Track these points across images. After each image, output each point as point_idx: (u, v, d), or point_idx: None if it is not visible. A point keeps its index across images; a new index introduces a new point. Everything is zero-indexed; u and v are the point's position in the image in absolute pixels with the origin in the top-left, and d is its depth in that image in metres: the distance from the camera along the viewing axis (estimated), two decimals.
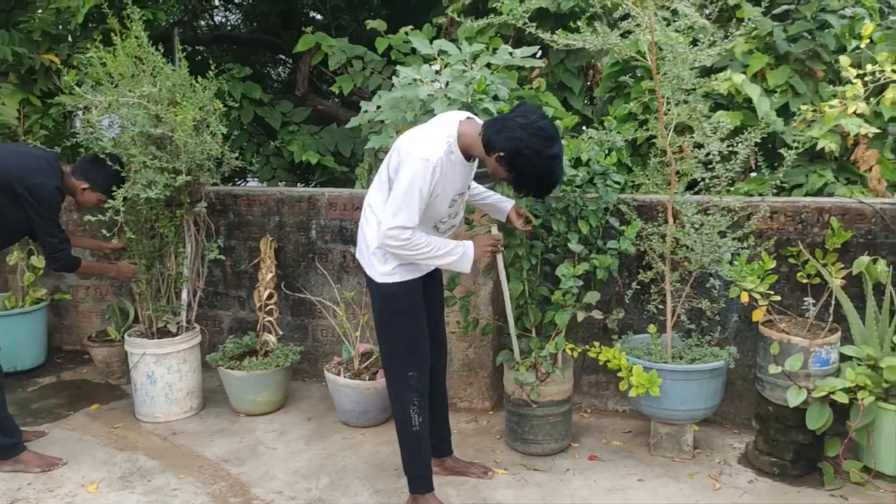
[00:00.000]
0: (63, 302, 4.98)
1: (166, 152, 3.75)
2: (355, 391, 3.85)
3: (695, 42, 3.32)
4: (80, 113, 5.20)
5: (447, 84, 3.73)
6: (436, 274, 3.17)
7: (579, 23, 3.71)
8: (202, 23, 8.99)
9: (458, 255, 2.87)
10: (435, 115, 3.64)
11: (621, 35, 3.35)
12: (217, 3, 9.06)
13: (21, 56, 4.68)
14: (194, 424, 3.99)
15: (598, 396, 4.10)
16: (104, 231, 3.71)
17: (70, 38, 4.96)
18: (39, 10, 4.82)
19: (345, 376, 3.88)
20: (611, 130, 3.59)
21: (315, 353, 4.50)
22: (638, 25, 3.27)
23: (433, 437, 3.21)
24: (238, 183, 6.68)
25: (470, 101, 3.67)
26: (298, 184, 6.75)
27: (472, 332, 3.77)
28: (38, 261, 4.76)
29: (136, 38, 3.86)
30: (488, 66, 4.09)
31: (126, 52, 3.82)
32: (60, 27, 4.83)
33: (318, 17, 7.98)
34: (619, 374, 3.38)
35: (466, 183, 2.98)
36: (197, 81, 3.96)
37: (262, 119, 6.31)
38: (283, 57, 8.86)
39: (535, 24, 3.49)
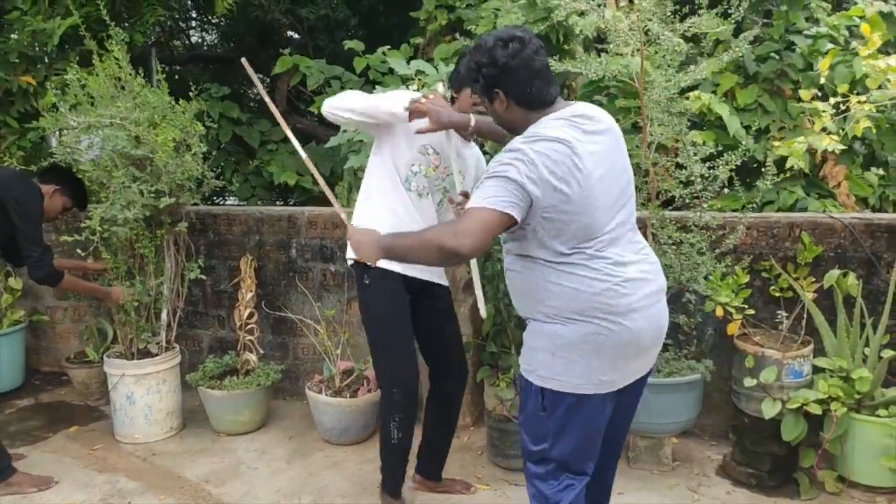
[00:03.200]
0: (41, 323, 4.95)
1: (147, 173, 3.76)
2: (336, 409, 3.86)
3: (671, 64, 3.41)
4: (56, 133, 5.21)
5: None
6: (437, 291, 3.13)
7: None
8: (178, 42, 9.00)
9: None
10: None
11: (598, 53, 3.46)
12: (193, 23, 9.07)
13: None
14: (174, 445, 3.97)
15: None
16: (79, 251, 3.72)
17: (46, 60, 4.95)
18: (15, 33, 4.80)
19: (326, 394, 3.89)
20: None
21: (296, 371, 4.51)
22: (627, 45, 3.36)
23: (430, 460, 3.25)
24: (217, 202, 6.67)
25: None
26: (277, 202, 6.75)
27: None
28: (16, 282, 4.74)
29: (116, 59, 3.88)
30: None
31: (106, 73, 3.84)
32: (37, 48, 4.82)
33: (296, 36, 8.02)
34: None
35: (445, 144, 2.92)
36: (178, 103, 3.98)
37: (240, 138, 6.32)
38: (261, 76, 8.89)
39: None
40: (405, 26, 6.28)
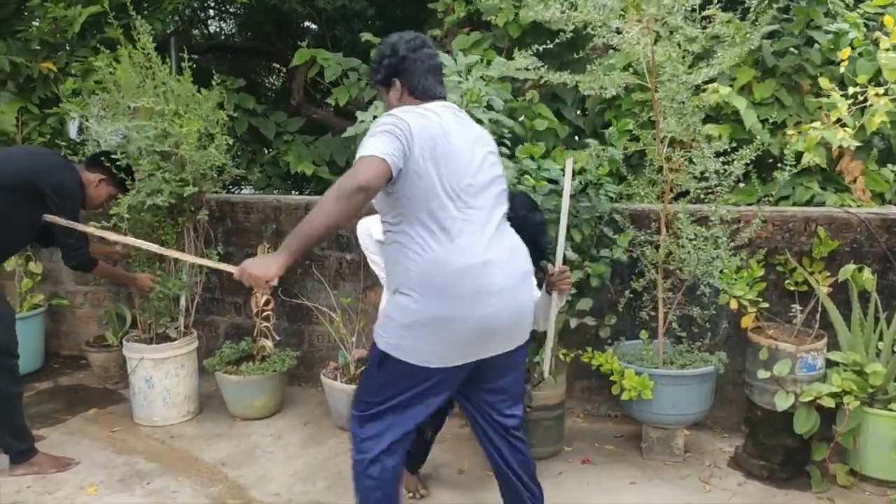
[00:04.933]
0: (61, 307, 5.02)
1: (171, 162, 3.81)
2: (351, 396, 3.89)
3: (685, 56, 3.42)
4: (75, 119, 5.27)
5: None
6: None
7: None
8: (195, 32, 9.04)
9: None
10: None
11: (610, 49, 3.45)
12: (212, 12, 9.11)
13: (19, 65, 4.73)
14: (192, 428, 4.03)
15: (591, 401, 4.17)
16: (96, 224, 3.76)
17: (67, 47, 5.01)
18: (37, 20, 4.86)
19: (341, 381, 3.93)
20: (611, 144, 3.68)
21: (311, 358, 4.55)
22: (638, 43, 3.36)
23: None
24: (233, 191, 6.73)
25: (465, 110, 3.76)
26: (293, 192, 6.79)
27: None
28: (36, 267, 4.81)
29: (143, 49, 3.91)
30: (482, 77, 4.17)
31: (133, 63, 3.88)
32: (58, 36, 4.87)
33: (313, 26, 8.04)
34: (612, 379, 3.46)
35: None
36: (199, 92, 4.02)
37: (256, 129, 6.36)
38: (277, 66, 8.92)
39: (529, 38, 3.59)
40: (422, 18, 6.30)
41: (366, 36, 5.19)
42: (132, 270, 4.08)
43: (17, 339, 3.57)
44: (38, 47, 4.84)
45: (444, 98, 2.45)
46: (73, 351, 5.06)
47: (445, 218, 2.23)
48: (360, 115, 4.27)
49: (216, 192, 4.36)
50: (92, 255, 3.74)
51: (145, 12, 4.99)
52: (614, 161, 3.85)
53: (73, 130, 5.39)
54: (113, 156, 3.65)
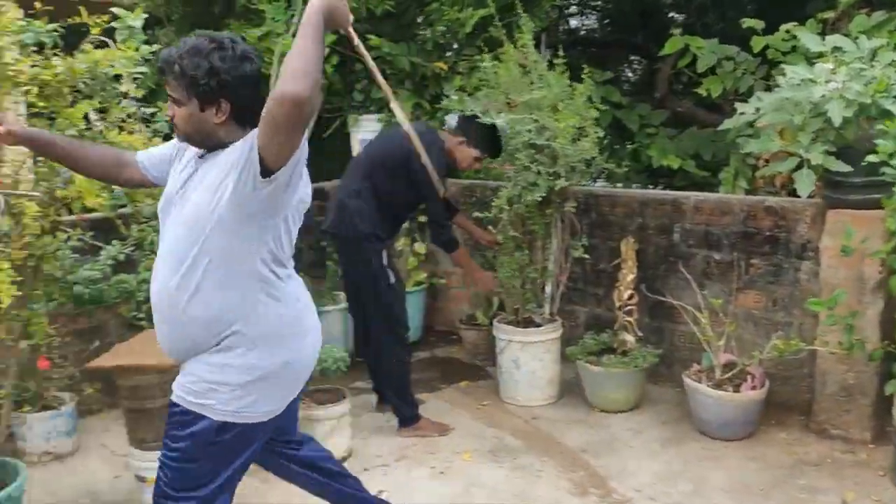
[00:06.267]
0: (439, 286, 5.54)
1: (544, 155, 3.97)
2: (716, 402, 3.74)
3: None
4: (453, 114, 5.74)
5: (843, 84, 3.46)
6: None
7: None
8: (559, 28, 9.34)
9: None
10: (829, 117, 3.41)
11: None
12: (574, 7, 9.34)
13: (416, 65, 5.28)
14: (552, 412, 4.18)
15: None
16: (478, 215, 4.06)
17: (456, 47, 5.46)
18: (432, 24, 5.37)
19: (706, 384, 3.79)
20: None
21: (671, 357, 4.45)
22: None
23: None
24: (589, 185, 6.84)
25: (869, 101, 3.38)
26: (649, 186, 6.70)
27: (857, 353, 3.45)
28: (421, 247, 5.34)
29: (523, 46, 4.14)
30: (892, 63, 3.70)
31: (513, 60, 4.12)
32: (448, 37, 5.34)
33: (678, 16, 7.84)
34: None
35: None
36: (570, 86, 4.14)
37: (617, 121, 6.38)
38: (636, 58, 8.86)
39: None
40: (803, 1, 5.79)
41: (748, 22, 4.90)
42: (494, 259, 4.34)
43: (407, 312, 4.01)
44: (431, 49, 5.35)
45: None
46: (447, 327, 5.54)
47: None
48: (739, 106, 4.06)
49: (582, 184, 4.45)
50: (455, 236, 4.03)
51: (526, 12, 5.24)
52: None
53: (452, 123, 5.90)
54: (472, 119, 3.89)
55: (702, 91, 5.41)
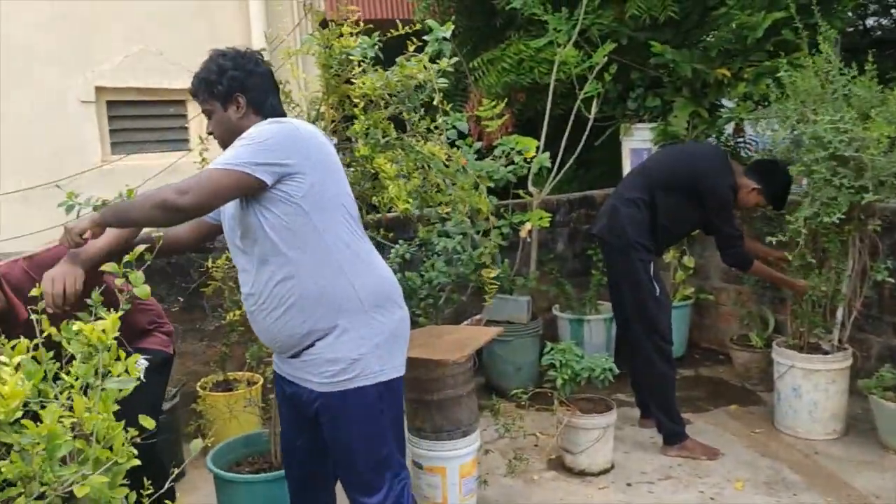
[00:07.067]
0: (706, 302, 5.29)
1: (848, 168, 3.63)
2: None
3: None
4: (731, 124, 5.46)
5: None
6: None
7: None
8: (852, 28, 8.53)
9: None
10: None
11: None
12: (872, 7, 8.47)
13: (698, 71, 5.08)
14: (837, 449, 3.82)
15: None
16: (771, 239, 3.81)
17: (742, 53, 5.18)
18: (717, 28, 5.13)
19: None
20: None
21: None
22: None
23: None
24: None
25: None
26: None
27: None
28: (689, 261, 5.14)
29: (825, 52, 3.82)
30: None
31: (814, 67, 3.81)
32: (734, 42, 5.07)
33: None
34: None
35: None
36: (882, 92, 3.74)
37: None
38: None
39: None
40: None
41: None
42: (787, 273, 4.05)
43: (671, 326, 3.88)
44: (715, 55, 5.12)
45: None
46: (713, 345, 5.29)
47: None
48: None
49: (890, 200, 4.01)
50: (748, 253, 3.86)
51: (825, 13, 4.84)
52: None
53: (729, 131, 5.64)
54: (771, 167, 3.75)
55: None
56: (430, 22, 2.77)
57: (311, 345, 2.15)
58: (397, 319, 2.26)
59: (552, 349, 3.68)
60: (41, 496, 1.42)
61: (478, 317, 4.12)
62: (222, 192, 2.00)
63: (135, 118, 5.94)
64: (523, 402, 3.68)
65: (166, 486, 1.78)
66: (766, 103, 4.87)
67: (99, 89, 5.70)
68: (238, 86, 2.20)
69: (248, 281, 2.18)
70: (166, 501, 1.81)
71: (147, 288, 1.67)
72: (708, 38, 5.18)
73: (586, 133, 5.01)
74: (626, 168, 5.39)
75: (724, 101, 5.56)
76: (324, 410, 2.20)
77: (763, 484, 3.47)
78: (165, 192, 1.98)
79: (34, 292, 1.78)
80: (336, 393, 2.16)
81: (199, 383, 3.96)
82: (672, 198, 3.75)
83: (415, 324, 4.07)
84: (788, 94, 3.87)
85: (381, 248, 3.99)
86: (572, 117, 4.98)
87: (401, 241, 4.08)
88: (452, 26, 2.76)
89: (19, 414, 1.42)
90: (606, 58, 4.82)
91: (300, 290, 2.09)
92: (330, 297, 2.11)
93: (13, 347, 1.52)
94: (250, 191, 2.02)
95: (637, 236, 3.76)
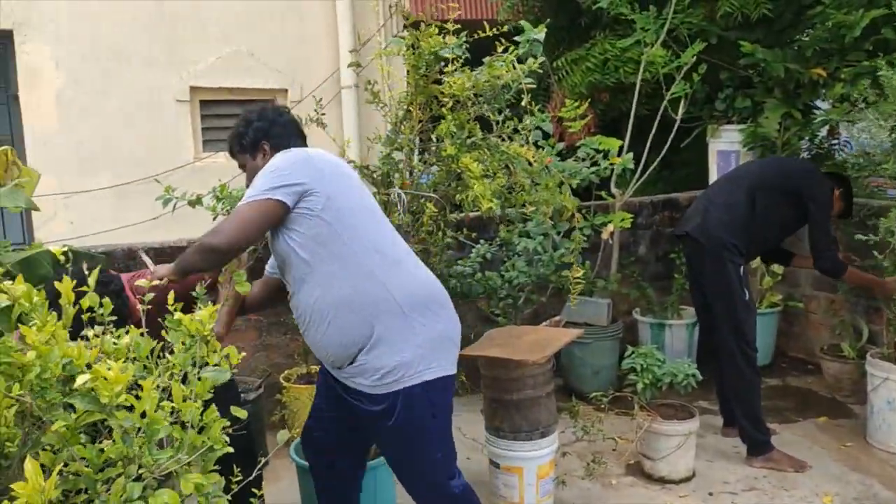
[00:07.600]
0: (795, 310, 5.12)
1: None
2: None
3: None
4: (825, 127, 5.26)
5: None
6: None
7: None
8: None
9: None
10: None
11: None
12: None
13: (791, 72, 4.91)
14: None
15: None
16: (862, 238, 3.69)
17: (839, 52, 4.98)
18: (813, 27, 4.95)
19: None
20: None
21: None
22: None
23: None
24: None
25: None
26: None
27: None
28: (778, 268, 4.98)
29: None
30: None
31: None
32: (830, 41, 4.88)
33: None
34: None
35: None
36: None
37: None
38: None
39: None
40: None
41: None
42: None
43: (756, 333, 3.78)
44: (809, 55, 4.94)
45: None
46: (801, 354, 5.12)
47: None
48: None
49: None
50: (841, 259, 3.80)
51: None
52: None
53: (823, 133, 5.45)
54: (842, 174, 3.90)
55: None
56: (524, 23, 2.77)
57: (354, 358, 2.23)
58: (444, 321, 2.32)
59: (633, 353, 3.63)
60: (138, 478, 1.50)
61: (557, 318, 4.09)
62: (250, 225, 2.12)
63: (225, 117, 6.15)
64: (603, 406, 3.64)
65: (254, 473, 1.84)
66: (865, 105, 4.70)
67: (193, 89, 5.91)
68: (262, 135, 2.40)
69: (296, 305, 2.30)
70: (253, 489, 1.87)
71: (248, 286, 1.75)
72: (802, 38, 5.01)
73: (672, 134, 4.91)
74: (713, 170, 5.26)
75: (818, 103, 5.37)
76: (372, 412, 2.28)
77: (853, 500, 3.34)
78: (203, 236, 2.17)
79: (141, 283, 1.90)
80: (384, 395, 2.24)
81: (282, 375, 4.07)
82: (772, 199, 3.74)
83: (494, 323, 4.11)
84: (888, 95, 3.71)
85: (462, 248, 4.03)
86: (658, 118, 4.90)
87: (482, 241, 4.10)
88: (545, 29, 2.75)
89: (123, 398, 1.50)
90: (695, 57, 4.71)
91: (335, 301, 2.19)
92: (363, 302, 2.19)
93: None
94: (276, 218, 2.15)
95: (730, 237, 3.68)
